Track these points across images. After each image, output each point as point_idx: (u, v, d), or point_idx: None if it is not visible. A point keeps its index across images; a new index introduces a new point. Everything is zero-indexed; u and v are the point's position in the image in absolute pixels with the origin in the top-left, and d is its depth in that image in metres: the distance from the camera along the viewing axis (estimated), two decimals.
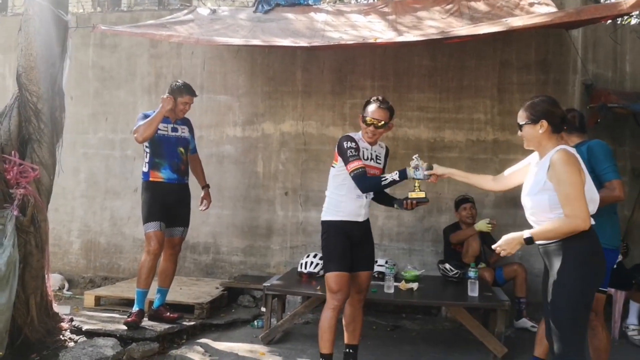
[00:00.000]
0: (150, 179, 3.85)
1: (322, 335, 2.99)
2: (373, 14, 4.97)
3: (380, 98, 3.07)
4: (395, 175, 2.86)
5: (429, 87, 5.00)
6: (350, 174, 2.90)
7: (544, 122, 2.29)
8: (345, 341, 3.21)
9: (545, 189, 2.23)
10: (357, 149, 2.97)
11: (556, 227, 2.19)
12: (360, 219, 3.06)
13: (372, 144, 3.10)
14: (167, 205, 3.83)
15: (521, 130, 2.38)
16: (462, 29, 3.85)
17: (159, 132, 3.81)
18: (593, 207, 2.29)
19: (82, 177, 5.52)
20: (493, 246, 2.44)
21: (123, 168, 5.43)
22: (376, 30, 4.62)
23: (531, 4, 4.52)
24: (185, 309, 4.17)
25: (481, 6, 4.75)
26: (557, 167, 2.19)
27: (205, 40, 4.13)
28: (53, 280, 4.49)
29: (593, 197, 2.32)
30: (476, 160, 4.92)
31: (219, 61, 5.35)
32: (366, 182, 2.92)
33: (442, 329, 4.43)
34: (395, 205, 3.07)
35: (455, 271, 4.13)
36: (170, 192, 3.85)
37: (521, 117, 2.38)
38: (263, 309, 4.22)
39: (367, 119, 3.00)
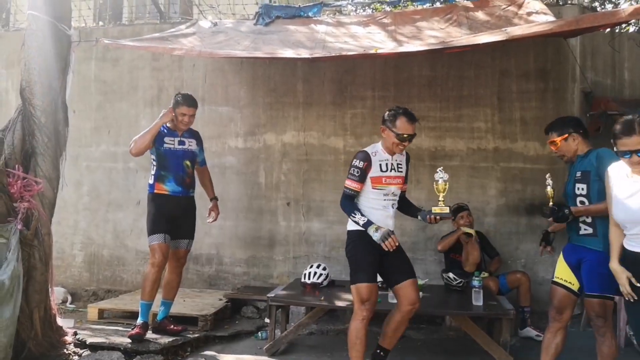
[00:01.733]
0: (155, 191, 3.87)
1: (352, 346, 3.02)
2: (373, 24, 5.02)
3: (407, 110, 3.13)
4: (361, 221, 2.96)
5: (429, 96, 5.03)
6: (344, 188, 3.03)
7: None
8: (380, 342, 3.26)
9: None
10: (362, 170, 3.03)
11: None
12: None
13: (392, 153, 3.13)
14: (172, 217, 3.84)
15: None
16: (462, 38, 3.89)
17: (165, 145, 3.85)
18: None
19: (84, 190, 5.54)
20: None
21: (126, 180, 5.45)
22: (376, 40, 4.66)
23: (529, 14, 4.56)
24: (188, 321, 4.16)
25: (480, 16, 4.80)
26: None
27: (208, 52, 4.18)
28: (56, 294, 4.50)
29: None
30: (477, 169, 4.93)
31: (221, 73, 5.39)
32: (344, 204, 3.07)
33: (447, 338, 4.41)
34: (419, 217, 3.16)
35: (459, 280, 4.12)
36: (175, 205, 3.86)
37: None
38: (267, 320, 4.21)
39: (400, 135, 3.04)
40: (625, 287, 2.43)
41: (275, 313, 3.86)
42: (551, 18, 4.36)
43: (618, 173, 2.48)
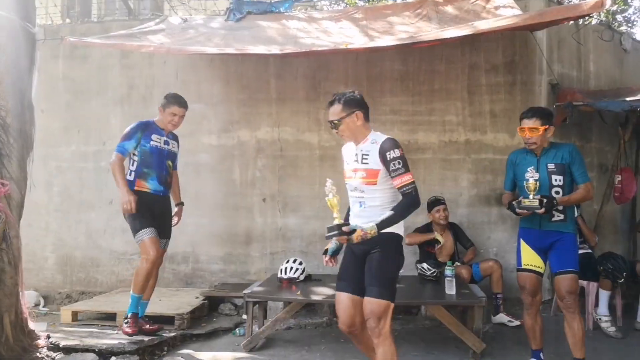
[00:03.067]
0: (136, 187, 3.75)
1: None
2: (345, 19, 5.05)
3: (332, 96, 2.77)
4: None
5: (402, 91, 5.09)
6: (406, 187, 2.49)
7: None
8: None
9: None
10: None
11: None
12: None
13: (356, 142, 2.67)
14: (156, 215, 3.79)
15: None
16: (430, 33, 3.94)
17: (152, 142, 3.78)
18: None
19: (55, 191, 5.43)
20: None
21: (97, 180, 5.36)
22: (348, 36, 4.69)
23: (497, 7, 4.65)
24: (165, 320, 4.13)
25: (449, 10, 4.87)
26: None
27: (177, 49, 4.13)
28: (28, 297, 4.41)
29: None
30: (449, 161, 5.02)
31: (193, 70, 5.34)
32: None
33: (423, 327, 4.49)
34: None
35: (433, 270, 4.20)
36: (155, 204, 3.80)
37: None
38: (244, 317, 4.22)
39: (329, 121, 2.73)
40: None
41: (252, 309, 3.87)
42: (518, 11, 4.45)
43: None
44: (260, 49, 4.13)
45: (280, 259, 4.99)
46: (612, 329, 4.19)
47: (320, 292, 3.95)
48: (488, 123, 4.96)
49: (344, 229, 2.41)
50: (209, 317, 4.65)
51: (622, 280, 4.26)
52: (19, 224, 3.45)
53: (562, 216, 3.14)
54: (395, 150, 2.49)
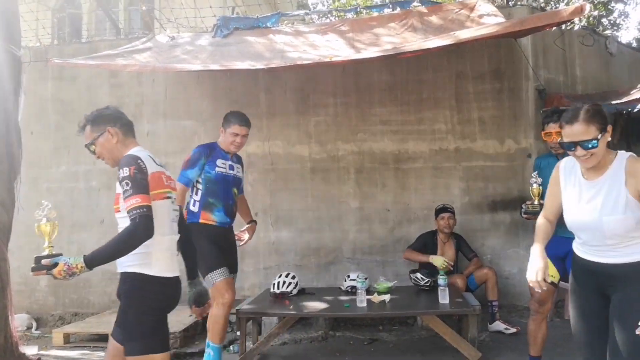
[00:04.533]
0: (201, 220, 3.35)
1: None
2: (331, 32, 5.09)
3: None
4: None
5: (390, 101, 5.11)
6: (132, 211, 2.06)
7: (610, 127, 2.01)
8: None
9: (629, 206, 1.94)
10: None
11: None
12: None
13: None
14: (222, 252, 3.40)
15: (593, 147, 1.95)
16: (413, 44, 3.97)
17: (218, 169, 3.39)
18: None
19: None
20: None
21: (88, 200, 5.34)
22: (335, 48, 4.72)
23: (481, 16, 4.70)
24: None
25: (434, 20, 4.92)
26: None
27: (163, 67, 4.14)
28: (19, 321, 4.37)
29: None
30: (440, 169, 5.02)
31: (182, 87, 5.36)
32: None
33: (419, 338, 4.45)
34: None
35: (427, 280, 4.17)
36: (221, 237, 3.41)
37: (588, 131, 1.95)
38: (238, 333, 4.17)
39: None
40: (533, 274, 2.13)
41: (245, 325, 3.83)
42: (501, 19, 4.50)
43: (571, 170, 2.17)
44: (246, 64, 4.15)
45: (274, 273, 4.95)
46: None
47: (314, 306, 3.92)
48: (477, 130, 4.98)
49: (44, 262, 1.98)
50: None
51: None
52: (6, 247, 3.43)
53: None
54: (125, 168, 2.08)
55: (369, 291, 3.98)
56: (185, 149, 5.28)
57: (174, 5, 6.38)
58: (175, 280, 2.23)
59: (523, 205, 3.10)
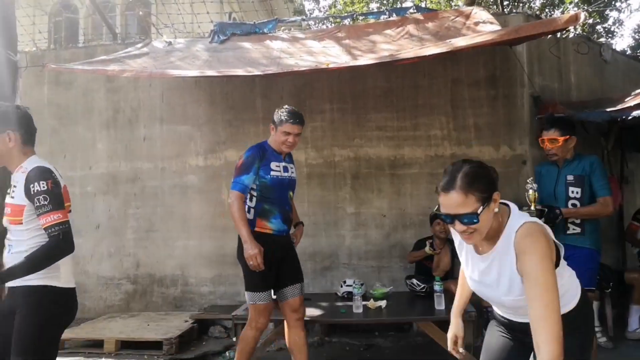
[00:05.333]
0: (257, 229, 3.09)
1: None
2: (328, 39, 5.11)
3: None
4: None
5: (386, 107, 5.13)
6: (52, 227, 2.12)
7: (496, 195, 1.63)
8: None
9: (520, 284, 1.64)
10: None
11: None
12: None
13: (11, 170, 2.29)
14: (277, 262, 3.14)
15: (474, 223, 1.58)
16: (409, 51, 3.99)
17: (273, 173, 3.13)
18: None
19: None
20: None
21: (83, 205, 5.33)
22: (332, 55, 4.74)
23: (476, 23, 4.74)
24: (153, 345, 4.07)
25: (430, 27, 4.95)
26: (526, 257, 1.58)
27: (159, 73, 4.14)
28: None
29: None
30: (436, 175, 5.03)
31: (178, 92, 5.36)
32: None
33: (415, 344, 4.46)
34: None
35: (423, 285, 4.18)
36: (278, 247, 3.14)
37: (466, 203, 1.57)
38: (235, 339, 4.16)
39: None
40: (449, 343, 2.12)
41: (241, 331, 3.82)
42: (497, 27, 4.53)
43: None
44: (242, 71, 4.16)
45: None
46: (603, 339, 4.17)
47: (311, 312, 3.91)
48: (473, 136, 5.01)
49: None
50: (199, 340, 4.59)
51: (610, 290, 4.26)
52: (0, 255, 3.40)
53: (578, 229, 3.04)
54: (41, 182, 2.03)
55: (365, 297, 3.99)
56: (181, 153, 5.30)
57: (171, 10, 6.41)
58: (74, 292, 2.23)
59: (528, 210, 3.11)
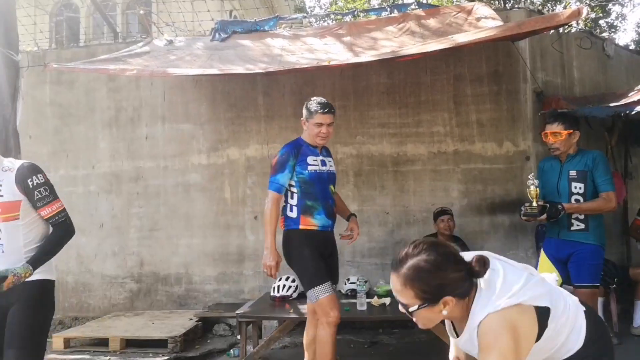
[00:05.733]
0: (301, 226, 3.02)
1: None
2: (329, 36, 5.09)
3: None
4: None
5: (389, 104, 5.11)
6: (57, 215, 2.31)
7: (448, 299, 1.46)
8: None
9: None
10: None
11: None
12: None
13: None
14: (326, 257, 3.08)
15: (411, 314, 1.49)
16: (411, 47, 3.97)
17: (310, 167, 3.05)
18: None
19: None
20: None
21: (87, 204, 5.34)
22: (333, 52, 4.73)
23: (478, 19, 4.72)
24: (158, 344, 4.08)
25: (432, 23, 4.93)
26: (484, 355, 1.41)
27: (160, 72, 4.14)
28: None
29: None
30: (439, 172, 5.03)
31: (180, 90, 5.35)
32: None
33: (419, 341, 4.45)
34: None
35: None
36: (322, 243, 3.06)
37: (404, 293, 1.46)
38: (239, 337, 4.17)
39: None
40: None
41: (245, 329, 3.82)
42: (499, 23, 4.51)
43: None
44: (242, 69, 4.15)
45: None
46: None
47: None
48: (475, 133, 4.99)
49: None
50: (203, 338, 4.60)
51: (614, 285, 4.25)
52: None
53: (582, 225, 3.02)
54: (39, 175, 2.20)
55: (369, 294, 3.98)
56: (183, 152, 5.30)
57: (171, 9, 6.39)
58: None
59: (522, 208, 3.11)
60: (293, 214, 3.05)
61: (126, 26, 8.34)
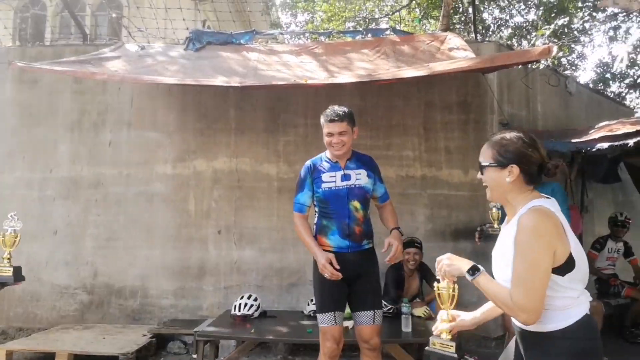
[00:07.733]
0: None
1: None
2: (305, 54, 5.11)
3: None
4: None
5: (360, 125, 4.98)
6: None
7: (514, 168, 1.70)
8: None
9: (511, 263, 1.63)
10: None
11: (500, 298, 1.64)
12: None
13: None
14: (345, 282, 2.87)
15: (482, 173, 1.79)
16: (388, 72, 4.03)
17: (324, 185, 2.88)
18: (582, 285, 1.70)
19: None
20: (437, 259, 1.93)
21: (42, 209, 5.09)
22: (308, 70, 4.74)
23: (450, 49, 4.84)
24: None
25: (406, 50, 5.03)
26: (521, 234, 1.60)
27: (132, 77, 4.03)
28: None
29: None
30: (407, 195, 5.07)
31: (148, 97, 5.23)
32: None
33: None
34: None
35: (390, 307, 4.16)
36: (342, 266, 2.79)
37: (484, 154, 1.78)
38: (194, 356, 4.02)
39: None
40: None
41: (202, 349, 3.70)
42: (470, 54, 4.64)
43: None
44: (219, 81, 4.09)
45: (235, 293, 4.84)
46: None
47: (276, 330, 3.84)
48: (443, 159, 5.08)
49: None
50: (157, 356, 4.42)
51: None
52: None
53: None
54: None
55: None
56: (148, 160, 5.15)
57: (144, 14, 6.28)
58: None
59: (480, 227, 3.14)
60: (314, 234, 2.94)
61: (95, 28, 8.12)
